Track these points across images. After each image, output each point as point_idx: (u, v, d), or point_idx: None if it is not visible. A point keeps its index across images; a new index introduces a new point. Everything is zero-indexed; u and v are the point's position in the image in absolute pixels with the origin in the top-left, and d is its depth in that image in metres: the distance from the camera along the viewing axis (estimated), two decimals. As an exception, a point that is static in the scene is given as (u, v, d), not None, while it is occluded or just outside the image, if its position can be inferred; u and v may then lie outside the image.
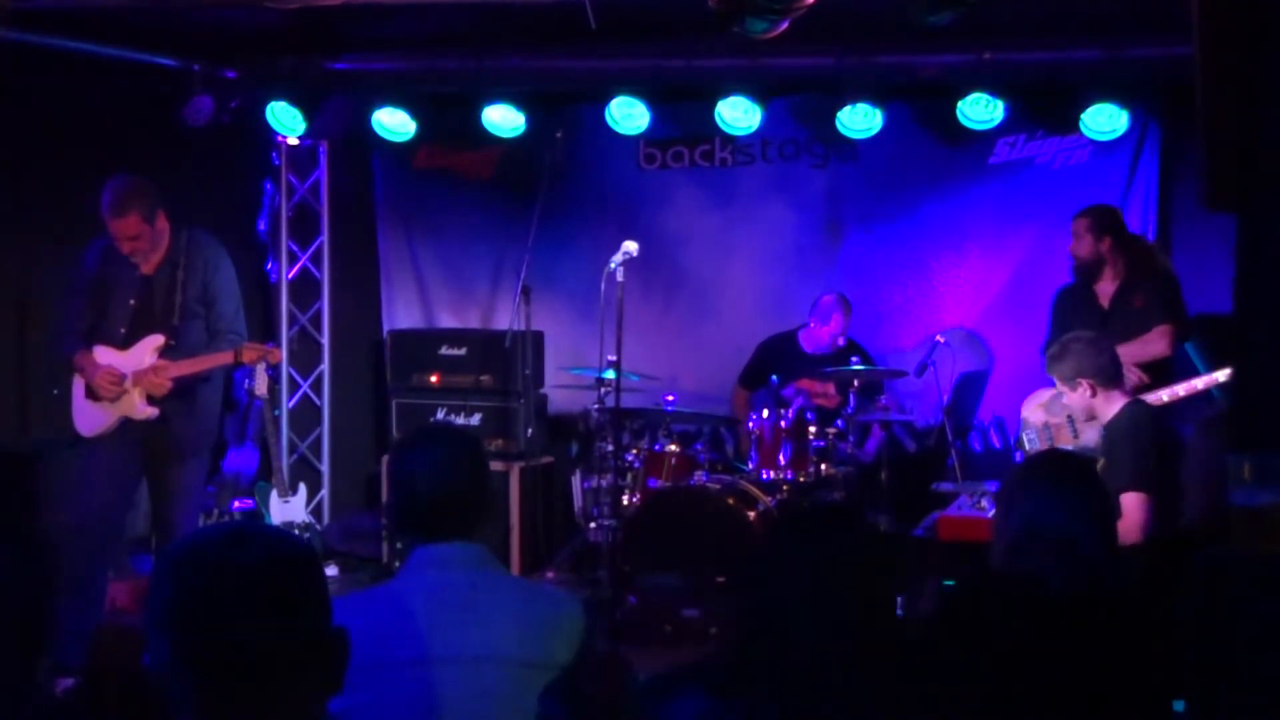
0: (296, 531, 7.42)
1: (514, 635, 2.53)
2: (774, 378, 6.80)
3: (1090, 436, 5.39)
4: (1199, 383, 5.42)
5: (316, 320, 8.23)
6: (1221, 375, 5.34)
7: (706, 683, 2.16)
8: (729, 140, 7.61)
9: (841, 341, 7.09)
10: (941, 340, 6.73)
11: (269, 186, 8.10)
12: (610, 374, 6.41)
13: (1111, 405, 4.65)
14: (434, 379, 7.61)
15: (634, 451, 6.68)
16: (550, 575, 6.91)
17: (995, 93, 6.79)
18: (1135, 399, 4.80)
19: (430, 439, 2.77)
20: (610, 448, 6.48)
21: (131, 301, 5.46)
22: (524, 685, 2.50)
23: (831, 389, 7.03)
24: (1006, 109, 6.83)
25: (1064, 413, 5.67)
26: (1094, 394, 4.67)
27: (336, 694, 1.70)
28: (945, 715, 2.23)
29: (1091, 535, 2.79)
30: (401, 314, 8.39)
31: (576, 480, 7.30)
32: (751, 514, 6.17)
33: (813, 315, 7.14)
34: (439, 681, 2.48)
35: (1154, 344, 6.01)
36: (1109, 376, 4.67)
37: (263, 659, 1.62)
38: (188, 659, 1.61)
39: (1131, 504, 4.42)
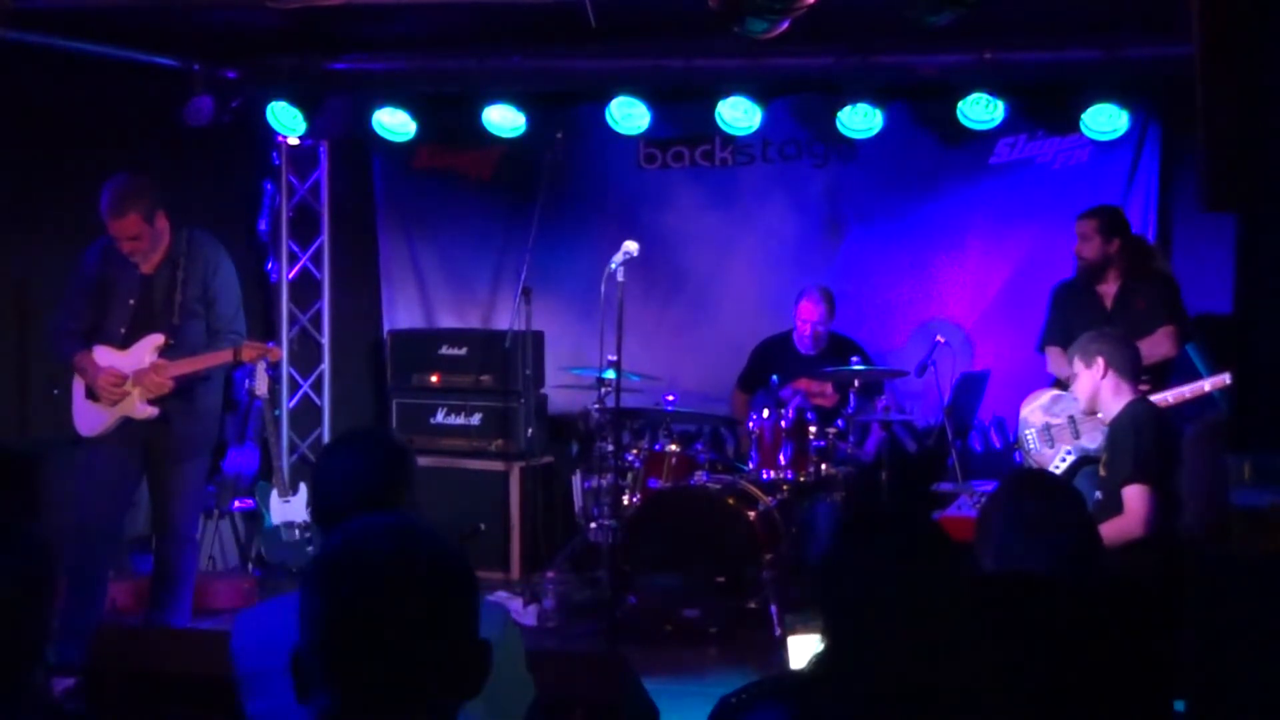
0: (297, 533, 7.42)
1: None
2: (774, 378, 6.80)
3: (1091, 437, 5.40)
4: (1205, 385, 5.42)
5: (317, 320, 8.22)
6: (1229, 378, 5.34)
7: (787, 696, 2.13)
8: (729, 140, 7.61)
9: (822, 329, 7.07)
10: (941, 340, 6.73)
11: (269, 186, 8.10)
12: (610, 374, 6.41)
13: (1118, 399, 4.67)
14: (434, 379, 7.62)
15: (634, 451, 6.67)
16: (550, 575, 6.90)
17: (995, 93, 6.79)
18: (1141, 396, 4.81)
19: (344, 445, 2.75)
20: (610, 448, 6.47)
21: (131, 301, 5.46)
22: None
23: (829, 388, 7.03)
24: (1006, 109, 6.83)
25: (1065, 413, 5.67)
26: (1104, 374, 4.69)
27: (472, 698, 1.69)
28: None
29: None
30: (401, 314, 8.39)
31: (576, 480, 7.29)
32: (751, 514, 6.17)
33: (794, 314, 7.16)
34: None
35: (1160, 345, 6.02)
36: (1124, 368, 4.69)
37: (411, 666, 1.62)
38: (337, 658, 1.61)
39: (1134, 496, 4.43)
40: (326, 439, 8.19)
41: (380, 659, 1.61)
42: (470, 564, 1.74)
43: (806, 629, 2.11)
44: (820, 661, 2.11)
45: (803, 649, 2.15)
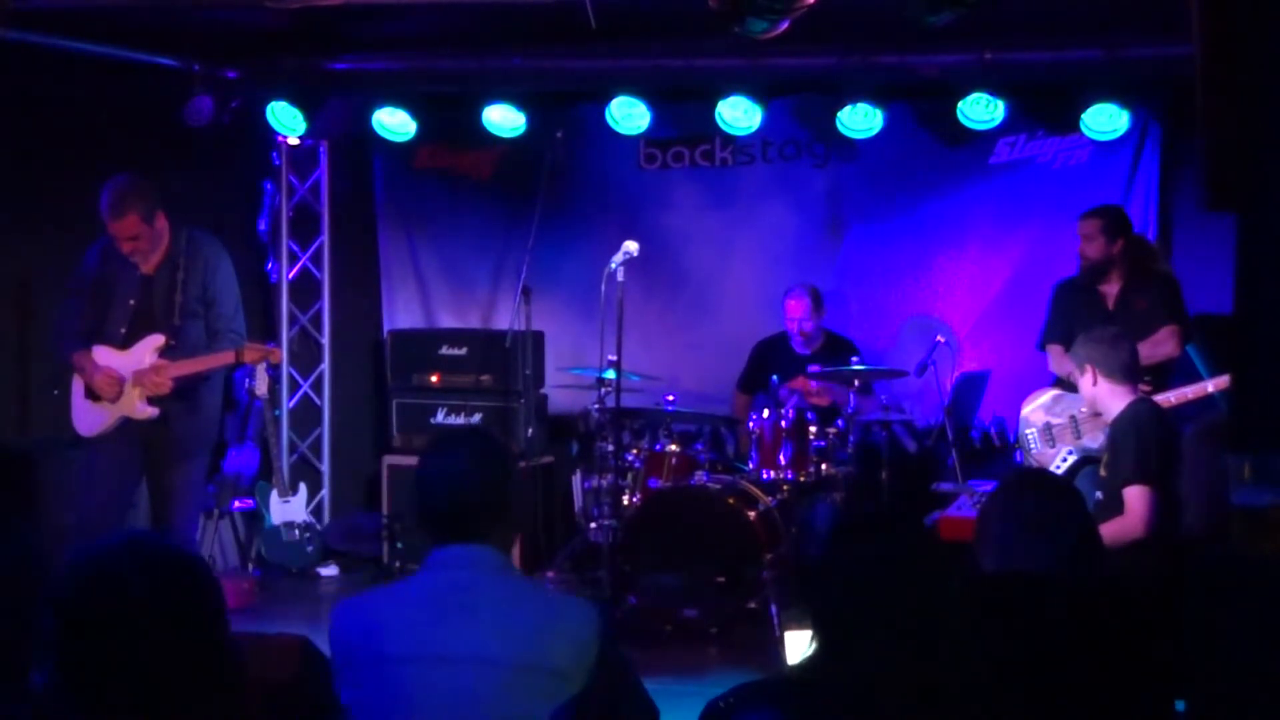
0: (297, 533, 7.43)
1: (511, 638, 2.54)
2: (774, 378, 6.80)
3: (1093, 437, 5.39)
4: (1209, 385, 5.41)
5: (317, 320, 8.22)
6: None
7: (775, 699, 2.13)
8: (729, 140, 7.61)
9: (809, 326, 7.07)
10: (941, 340, 6.73)
11: (269, 186, 8.10)
12: (610, 374, 6.41)
13: (1119, 400, 4.66)
14: (434, 379, 7.62)
15: (634, 451, 6.67)
16: (550, 575, 6.91)
17: (995, 93, 6.79)
18: (1142, 396, 4.80)
19: (452, 443, 2.80)
20: (610, 448, 6.48)
21: (131, 301, 5.47)
22: (516, 687, 2.51)
23: (824, 387, 7.04)
24: (1007, 109, 6.83)
25: (1066, 413, 5.67)
26: (1095, 382, 4.68)
27: (235, 705, 1.68)
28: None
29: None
30: (401, 314, 8.39)
31: (576, 480, 7.30)
32: (751, 514, 6.17)
33: (782, 315, 7.16)
34: (434, 679, 2.52)
35: (1163, 345, 6.02)
36: (1117, 372, 4.67)
37: (155, 672, 1.59)
38: (79, 676, 1.59)
39: (1135, 496, 4.42)
40: (326, 439, 8.20)
41: (117, 678, 1.59)
42: (213, 576, 1.72)
43: (803, 625, 2.11)
44: (809, 664, 2.11)
45: (800, 645, 2.16)
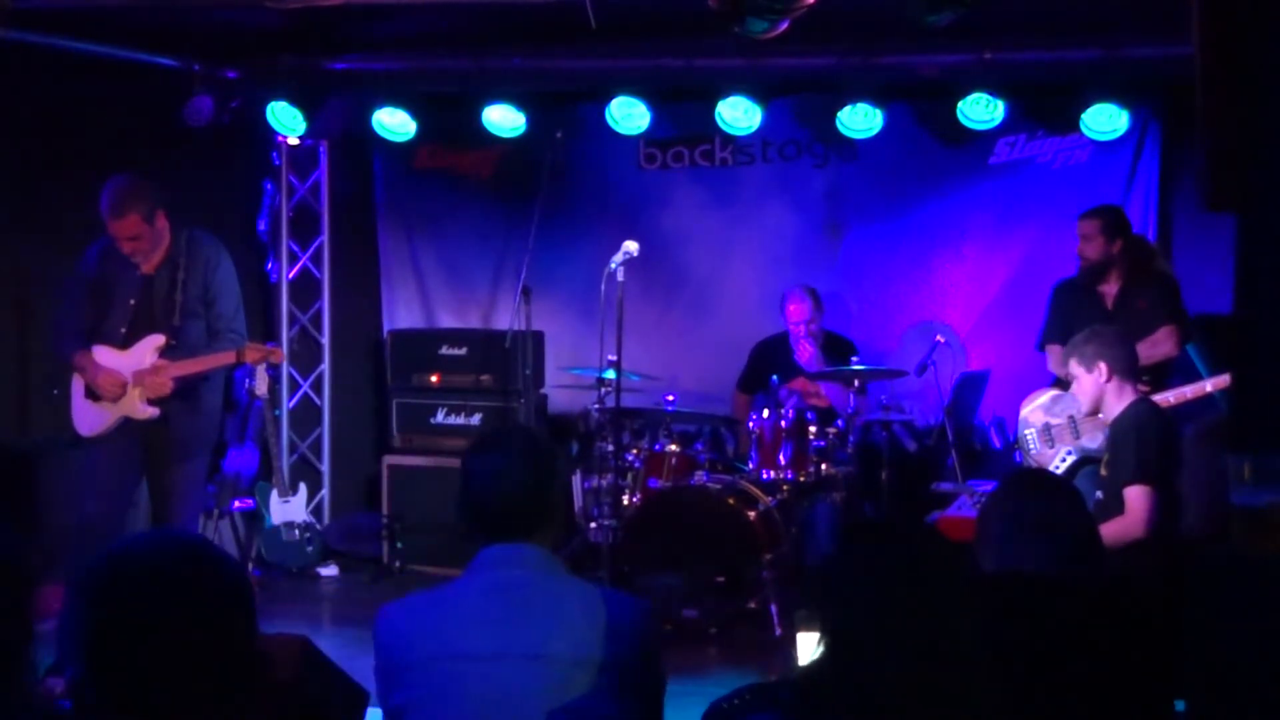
0: (297, 533, 7.43)
1: (564, 634, 2.57)
2: (774, 378, 6.79)
3: (1092, 437, 5.40)
4: (1207, 385, 5.41)
5: (317, 320, 8.22)
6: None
7: (781, 703, 2.13)
8: (729, 140, 7.61)
9: (815, 327, 7.07)
10: (941, 340, 6.73)
11: (269, 186, 8.10)
12: (610, 374, 6.41)
13: (1120, 400, 4.67)
14: (434, 379, 7.62)
15: (634, 451, 6.67)
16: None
17: (995, 93, 6.79)
18: (1143, 396, 4.81)
19: (498, 443, 2.81)
20: (610, 448, 6.47)
21: (132, 301, 5.47)
22: (570, 682, 2.54)
23: (823, 388, 7.03)
24: (1006, 109, 6.83)
25: (1065, 413, 5.67)
26: (1108, 379, 4.68)
27: (251, 714, 1.67)
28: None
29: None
30: (401, 314, 8.39)
31: (576, 480, 7.29)
32: (751, 514, 6.17)
33: (784, 319, 7.15)
34: (490, 677, 2.54)
35: (1162, 344, 6.02)
36: (1126, 369, 4.69)
37: (184, 678, 1.59)
38: (109, 679, 1.58)
39: (1136, 496, 4.43)
40: (326, 439, 8.20)
41: (146, 674, 1.58)
42: (248, 580, 1.73)
43: (813, 626, 2.10)
44: (814, 667, 2.11)
45: (810, 645, 2.16)
